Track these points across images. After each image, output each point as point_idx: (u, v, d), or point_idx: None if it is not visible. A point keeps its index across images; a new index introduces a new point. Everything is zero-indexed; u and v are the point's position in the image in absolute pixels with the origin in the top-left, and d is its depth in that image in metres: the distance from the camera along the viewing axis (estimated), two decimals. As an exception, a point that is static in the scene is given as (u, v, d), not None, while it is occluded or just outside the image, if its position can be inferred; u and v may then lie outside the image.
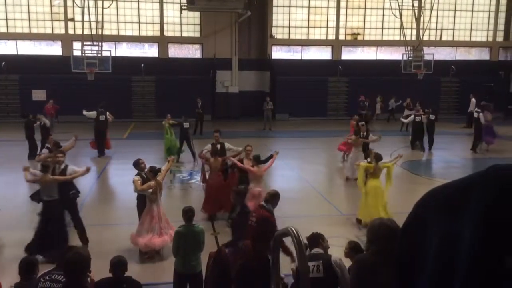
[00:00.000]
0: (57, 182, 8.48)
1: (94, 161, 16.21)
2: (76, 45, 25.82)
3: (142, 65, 27.11)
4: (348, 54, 31.11)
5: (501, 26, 32.76)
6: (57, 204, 8.47)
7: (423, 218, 0.74)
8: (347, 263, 5.16)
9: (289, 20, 30.23)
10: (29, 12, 27.49)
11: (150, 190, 8.38)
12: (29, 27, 27.69)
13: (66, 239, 8.38)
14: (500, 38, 32.93)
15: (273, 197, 6.83)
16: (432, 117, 19.00)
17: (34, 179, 8.55)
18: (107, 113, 17.35)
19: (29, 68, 25.99)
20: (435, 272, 0.68)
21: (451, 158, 18.19)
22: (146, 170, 8.81)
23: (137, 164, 8.99)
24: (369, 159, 10.67)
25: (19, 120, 23.83)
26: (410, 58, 27.96)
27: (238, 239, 6.50)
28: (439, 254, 0.68)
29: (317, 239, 5.41)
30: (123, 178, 13.77)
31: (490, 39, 32.76)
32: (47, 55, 27.70)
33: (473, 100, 24.58)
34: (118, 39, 28.31)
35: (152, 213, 8.45)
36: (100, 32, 25.48)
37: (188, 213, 6.92)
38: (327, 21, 30.62)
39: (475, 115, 19.56)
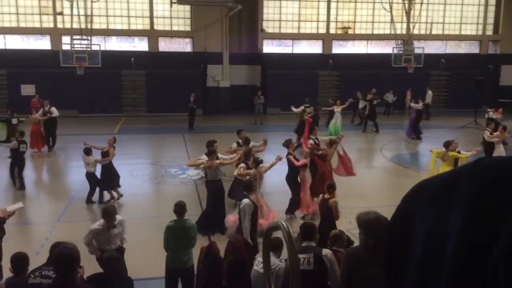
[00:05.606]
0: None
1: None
2: (65, 39, 25.55)
3: (132, 59, 26.92)
4: (339, 48, 31.13)
5: (490, 20, 32.91)
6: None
7: (412, 210, 0.74)
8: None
9: (280, 14, 30.15)
10: (17, 6, 27.13)
11: (248, 177, 9.52)
12: (17, 21, 27.35)
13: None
14: (489, 31, 33.09)
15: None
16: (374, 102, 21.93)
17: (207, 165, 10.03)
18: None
19: (18, 62, 25.68)
20: (424, 261, 0.69)
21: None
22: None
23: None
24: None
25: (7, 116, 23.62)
26: (400, 52, 28.04)
27: None
28: (429, 242, 0.68)
29: (311, 232, 5.38)
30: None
31: (480, 32, 32.92)
32: (36, 49, 27.41)
33: (430, 92, 25.43)
34: (107, 33, 28.06)
35: None
36: (89, 26, 25.25)
37: (177, 208, 6.91)
38: (318, 15, 30.58)
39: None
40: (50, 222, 10.54)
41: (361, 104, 22.86)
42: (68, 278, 4.14)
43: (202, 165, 10.32)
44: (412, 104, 21.21)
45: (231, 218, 9.32)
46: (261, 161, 10.08)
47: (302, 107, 19.19)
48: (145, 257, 8.27)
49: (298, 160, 10.80)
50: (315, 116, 18.03)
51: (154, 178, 14.41)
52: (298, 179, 10.80)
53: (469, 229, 0.62)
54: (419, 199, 0.74)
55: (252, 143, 12.14)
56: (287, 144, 11.15)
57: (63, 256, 4.14)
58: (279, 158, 10.42)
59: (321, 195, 8.68)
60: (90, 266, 6.32)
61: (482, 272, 0.59)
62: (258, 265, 5.67)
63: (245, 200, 7.90)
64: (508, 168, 0.65)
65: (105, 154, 11.85)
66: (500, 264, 0.57)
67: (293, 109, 19.57)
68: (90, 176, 11.63)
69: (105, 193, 11.82)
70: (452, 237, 0.64)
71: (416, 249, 0.70)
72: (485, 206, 0.62)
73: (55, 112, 17.97)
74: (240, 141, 12.36)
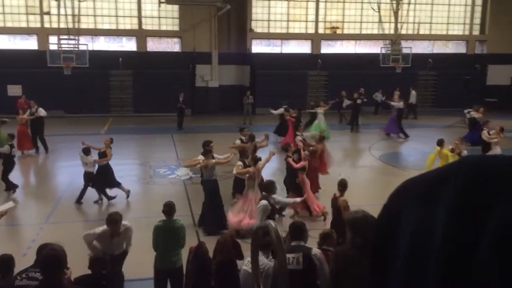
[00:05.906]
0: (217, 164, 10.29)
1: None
2: (53, 39, 25.33)
3: (120, 59, 26.74)
4: (327, 48, 31.21)
5: (477, 20, 33.20)
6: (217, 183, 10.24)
7: (398, 208, 0.74)
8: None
9: (269, 13, 30.16)
10: (3, 6, 26.81)
11: (247, 175, 9.78)
12: (4, 20, 27.03)
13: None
14: (476, 31, 33.39)
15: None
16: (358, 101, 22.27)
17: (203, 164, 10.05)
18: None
19: (4, 62, 25.39)
20: (410, 259, 0.68)
21: (427, 150, 18.46)
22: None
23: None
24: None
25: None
26: (388, 52, 28.21)
27: None
28: (415, 240, 0.68)
29: (300, 231, 5.38)
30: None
31: (467, 32, 33.20)
32: (23, 49, 27.11)
33: (413, 92, 25.77)
34: (95, 32, 27.85)
35: (246, 196, 9.60)
36: (77, 26, 25.06)
37: (166, 208, 6.89)
38: (307, 15, 30.64)
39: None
40: (37, 224, 10.45)
41: (344, 103, 23.01)
42: (55, 280, 4.10)
43: (198, 165, 10.34)
44: (393, 103, 21.37)
45: (233, 219, 9.31)
46: (260, 159, 10.27)
47: (282, 109, 19.29)
48: (134, 257, 8.21)
49: (296, 163, 10.82)
50: (298, 115, 18.18)
51: (143, 178, 14.34)
52: (297, 181, 10.84)
53: (454, 226, 0.62)
54: (405, 197, 0.74)
55: (255, 140, 12.32)
56: (286, 147, 11.27)
57: (50, 258, 4.10)
58: (273, 153, 10.61)
59: (334, 194, 8.79)
60: (77, 267, 6.26)
61: (468, 270, 0.59)
62: (247, 265, 5.66)
63: (263, 201, 7.98)
64: (493, 165, 0.65)
65: (102, 154, 11.86)
66: (491, 263, 0.57)
67: (272, 111, 19.64)
68: (88, 175, 11.61)
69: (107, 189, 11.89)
70: (438, 235, 0.64)
71: (402, 247, 0.70)
72: (470, 203, 0.62)
73: (42, 112, 17.76)
74: (243, 138, 12.56)
